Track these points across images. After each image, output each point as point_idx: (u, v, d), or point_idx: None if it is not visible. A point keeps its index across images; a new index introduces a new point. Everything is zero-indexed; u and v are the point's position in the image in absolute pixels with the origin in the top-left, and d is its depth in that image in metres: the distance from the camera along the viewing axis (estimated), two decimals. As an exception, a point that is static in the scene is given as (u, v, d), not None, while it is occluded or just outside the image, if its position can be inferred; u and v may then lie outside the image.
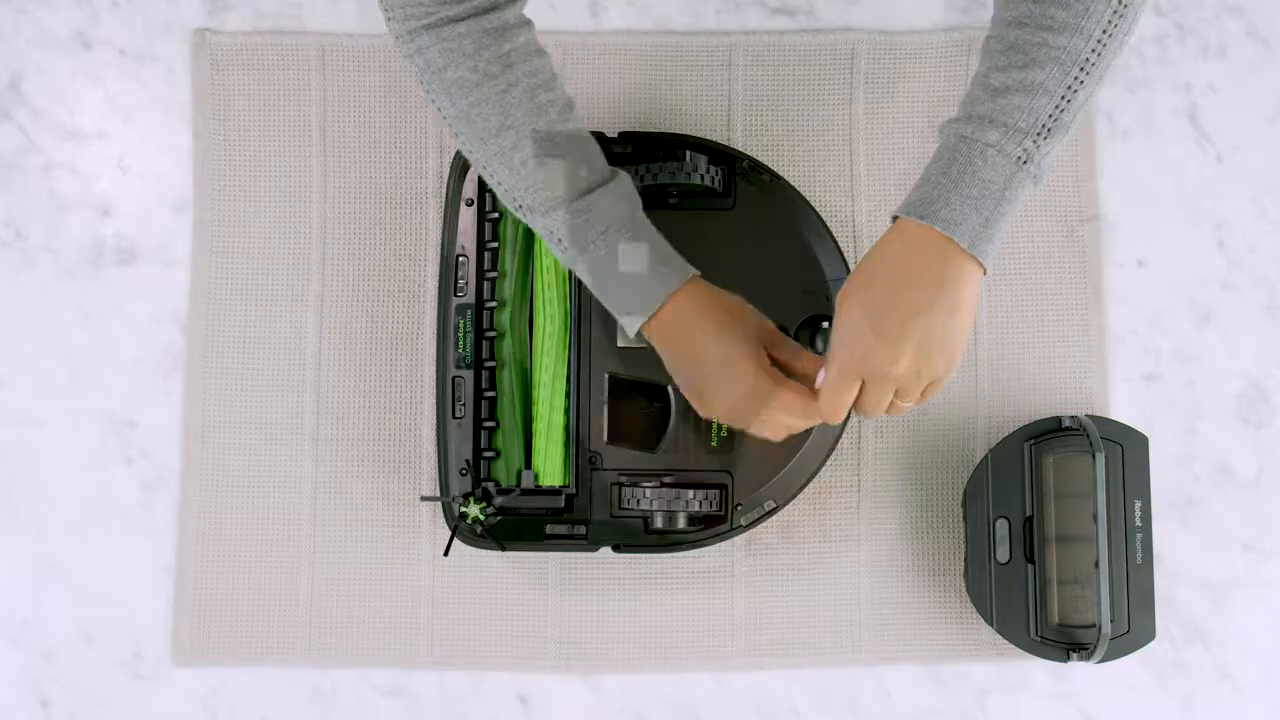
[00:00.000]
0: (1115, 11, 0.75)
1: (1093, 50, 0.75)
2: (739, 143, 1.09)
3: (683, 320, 0.82)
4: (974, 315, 0.80)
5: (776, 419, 0.82)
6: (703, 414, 0.85)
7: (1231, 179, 1.10)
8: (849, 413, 0.80)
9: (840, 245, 1.02)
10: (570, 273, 1.00)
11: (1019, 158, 0.76)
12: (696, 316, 0.82)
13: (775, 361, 0.84)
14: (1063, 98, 0.76)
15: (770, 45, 1.10)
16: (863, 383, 0.78)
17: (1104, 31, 0.75)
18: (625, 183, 0.84)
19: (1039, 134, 0.76)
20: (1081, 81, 0.76)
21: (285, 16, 1.10)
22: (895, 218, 0.79)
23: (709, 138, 1.04)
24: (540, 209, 0.81)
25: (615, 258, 0.81)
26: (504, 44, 0.81)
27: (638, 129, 1.08)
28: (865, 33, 1.10)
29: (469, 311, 1.00)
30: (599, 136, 1.02)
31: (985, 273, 0.78)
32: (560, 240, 0.82)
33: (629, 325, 0.83)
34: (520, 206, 0.82)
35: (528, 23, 0.84)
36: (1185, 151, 1.10)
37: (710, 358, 0.82)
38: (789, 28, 1.11)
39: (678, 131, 1.06)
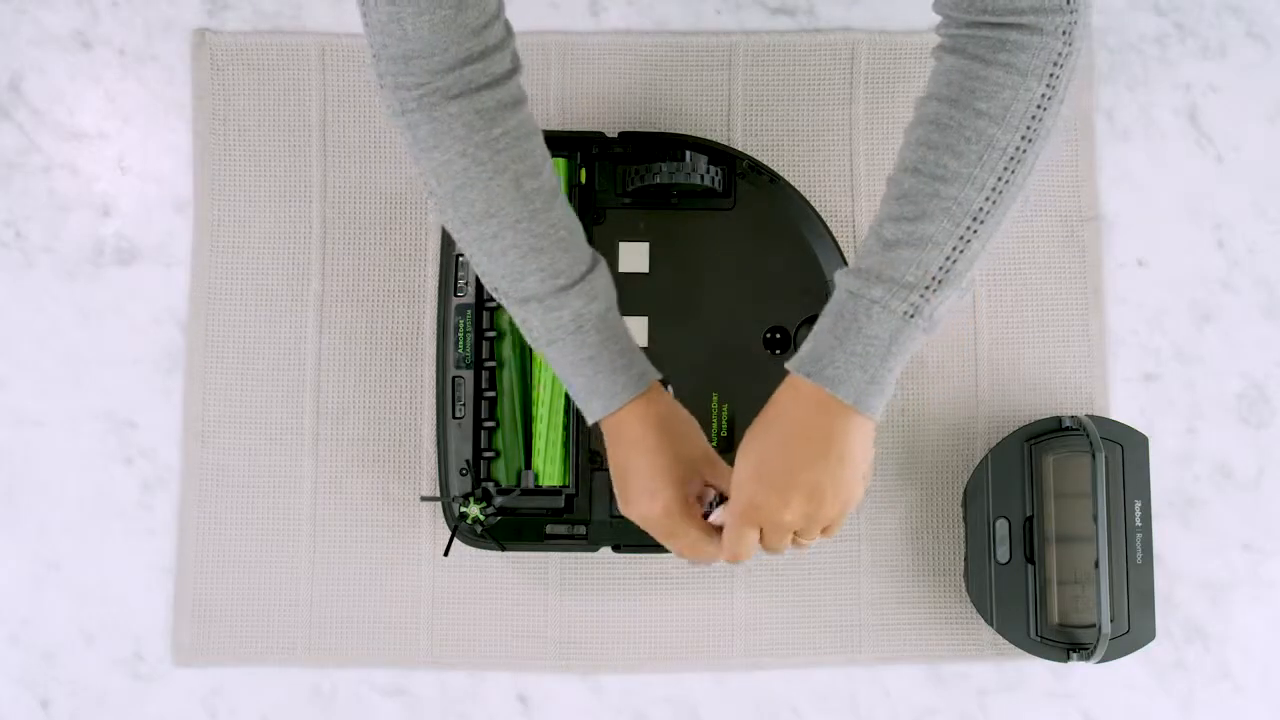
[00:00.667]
0: (1012, 159, 0.73)
1: (987, 199, 0.74)
2: (739, 143, 1.09)
3: (629, 427, 0.83)
4: (867, 464, 0.80)
5: (678, 547, 0.84)
6: (620, 510, 0.86)
7: (1231, 179, 1.10)
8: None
9: (840, 245, 1.02)
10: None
11: (905, 312, 0.75)
12: (642, 428, 0.83)
13: (710, 487, 0.86)
14: (954, 249, 0.74)
15: (770, 45, 1.10)
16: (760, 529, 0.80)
17: (999, 179, 0.73)
18: (602, 275, 0.84)
19: (928, 288, 0.75)
20: (975, 232, 0.74)
21: (285, 16, 1.10)
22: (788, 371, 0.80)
23: (709, 138, 1.04)
24: (516, 298, 0.82)
25: (581, 357, 0.82)
26: (495, 128, 0.79)
27: (638, 129, 1.08)
28: (865, 33, 1.10)
29: (469, 311, 1.00)
30: (599, 137, 1.02)
31: (877, 422, 0.78)
32: (531, 330, 0.83)
33: (586, 417, 0.85)
34: (498, 290, 0.83)
35: (523, 99, 0.82)
36: (1185, 151, 1.10)
37: (639, 472, 0.83)
38: (789, 28, 1.11)
39: (678, 131, 1.06)
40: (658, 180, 0.99)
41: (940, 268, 0.74)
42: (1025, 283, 1.08)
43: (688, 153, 1.00)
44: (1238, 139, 1.10)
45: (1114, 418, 1.07)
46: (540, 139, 0.83)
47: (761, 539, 0.81)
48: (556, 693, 1.05)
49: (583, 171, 1.02)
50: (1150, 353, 1.08)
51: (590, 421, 0.85)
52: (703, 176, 0.99)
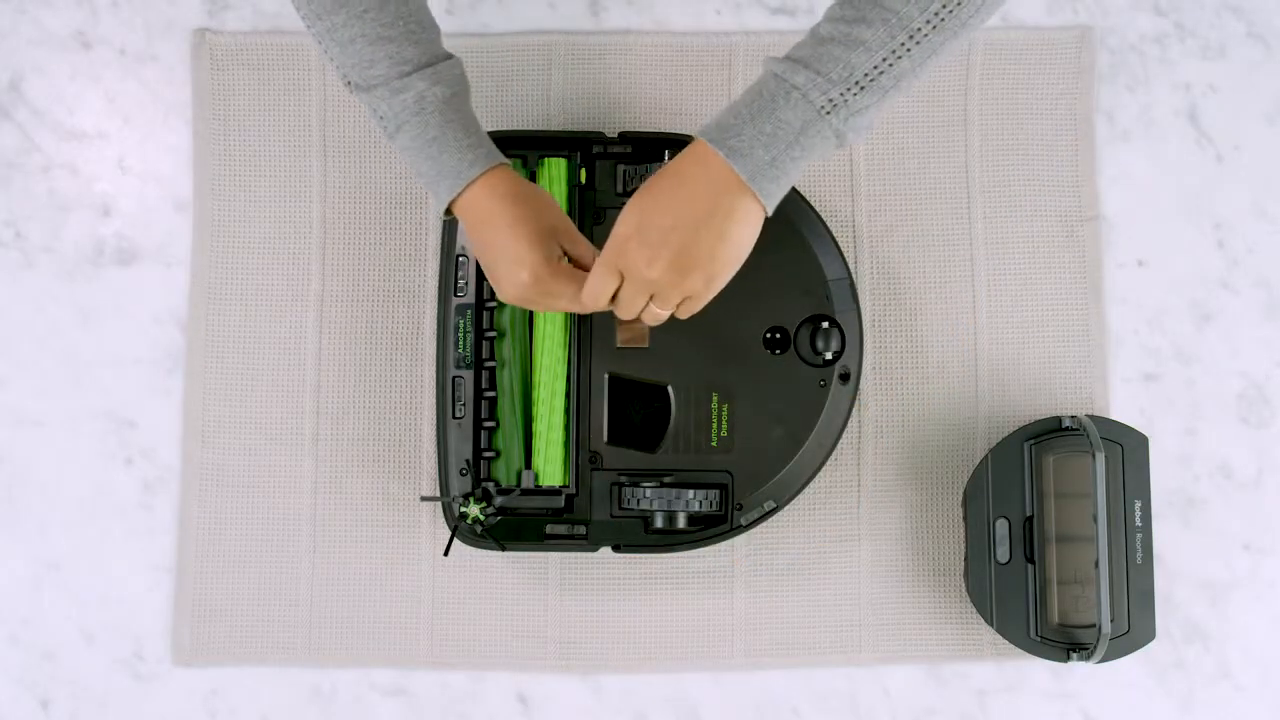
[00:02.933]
0: None
1: (926, 22, 0.75)
2: (739, 143, 1.09)
3: (482, 205, 0.85)
4: (744, 251, 0.80)
5: (556, 306, 0.86)
6: (498, 295, 0.88)
7: (1231, 179, 1.10)
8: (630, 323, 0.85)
9: (840, 245, 1.02)
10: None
11: (822, 107, 0.76)
12: (495, 203, 0.85)
13: (569, 256, 0.88)
14: (885, 60, 0.75)
15: (770, 45, 1.10)
16: (622, 280, 0.82)
17: (944, 6, 0.74)
18: (454, 67, 0.86)
19: (849, 88, 0.76)
20: (909, 50, 0.75)
21: (285, 16, 1.10)
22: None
23: (709, 138, 1.04)
24: (364, 86, 0.84)
25: (426, 138, 0.84)
26: None
27: (638, 129, 1.08)
28: (865, 33, 1.10)
29: (469, 311, 1.00)
30: (599, 137, 1.02)
31: (767, 214, 0.79)
32: (382, 118, 0.85)
33: (436, 203, 0.87)
34: (349, 83, 0.85)
35: None
36: (1185, 151, 1.10)
37: (500, 245, 0.85)
38: (789, 28, 1.11)
39: (678, 131, 1.06)
40: (658, 180, 0.99)
41: (866, 75, 0.75)
42: (1025, 283, 1.08)
43: (688, 153, 1.00)
44: (1238, 139, 1.10)
45: (1114, 418, 1.07)
46: None
47: (617, 295, 0.82)
48: (556, 693, 1.05)
49: (583, 171, 1.02)
50: (1150, 353, 1.08)
51: (442, 208, 0.87)
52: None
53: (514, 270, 0.85)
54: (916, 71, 0.76)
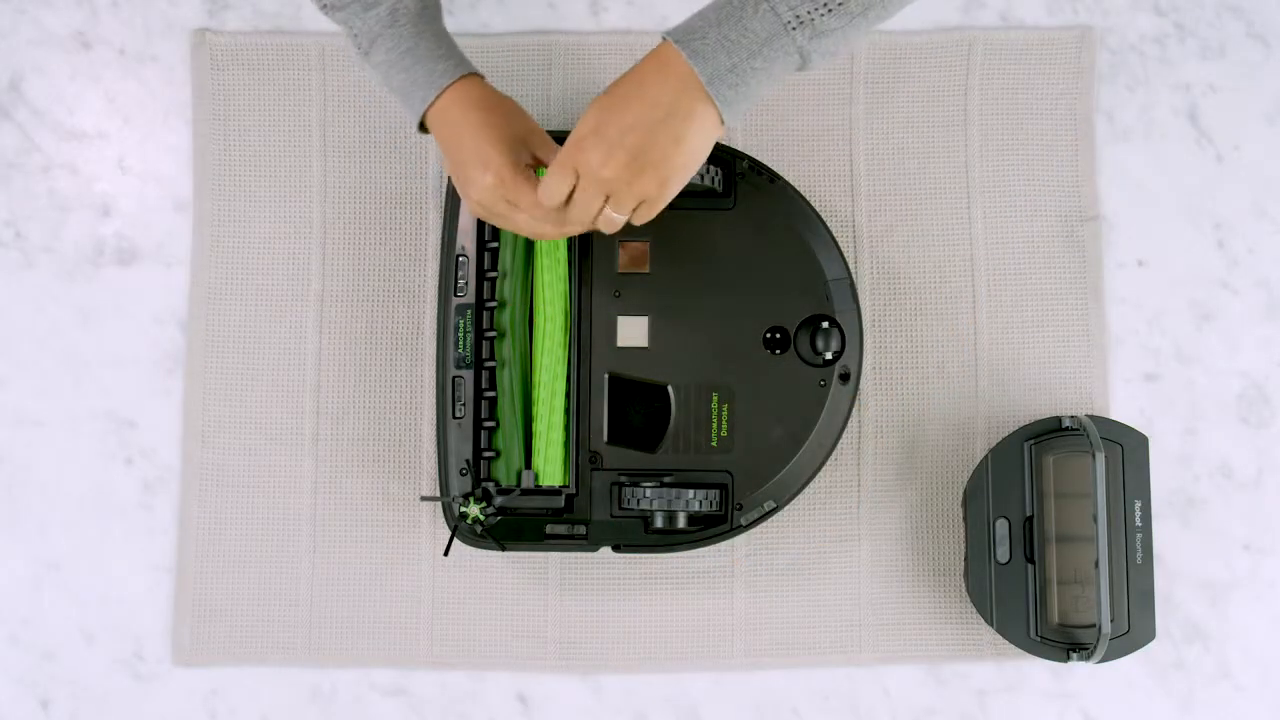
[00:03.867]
0: None
1: None
2: (739, 143, 1.09)
3: (452, 113, 0.87)
4: (699, 157, 0.81)
5: (517, 220, 0.87)
6: (465, 204, 0.90)
7: (1231, 179, 1.10)
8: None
9: (840, 245, 1.02)
10: (570, 273, 1.00)
11: (788, 21, 0.76)
12: (464, 110, 0.87)
13: (540, 163, 0.89)
14: None
15: (770, 45, 1.10)
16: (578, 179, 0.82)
17: None
18: None
19: (817, 7, 0.76)
20: None
21: (285, 16, 1.10)
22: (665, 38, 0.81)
23: (709, 138, 1.04)
24: (337, 4, 0.86)
25: (400, 50, 0.86)
26: None
27: (638, 129, 1.08)
28: (865, 33, 1.10)
29: (469, 311, 1.00)
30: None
31: (723, 124, 0.80)
32: (355, 34, 0.87)
33: (409, 115, 0.89)
34: (325, 6, 0.87)
35: None
36: (1185, 151, 1.10)
37: (468, 148, 0.86)
38: (789, 28, 1.10)
39: (678, 131, 1.06)
40: (658, 180, 0.99)
41: None
42: (1025, 283, 1.08)
43: (688, 152, 1.00)
44: (1238, 139, 1.10)
45: (1114, 418, 1.07)
46: None
47: (572, 196, 0.82)
48: (556, 693, 1.05)
49: (583, 171, 1.02)
50: (1150, 353, 1.08)
51: (416, 120, 0.88)
52: (703, 176, 0.99)
53: (479, 173, 0.86)
54: (886, 4, 0.77)
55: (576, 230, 0.87)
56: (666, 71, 0.79)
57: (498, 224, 0.89)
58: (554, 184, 0.82)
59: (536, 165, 0.89)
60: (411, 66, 0.87)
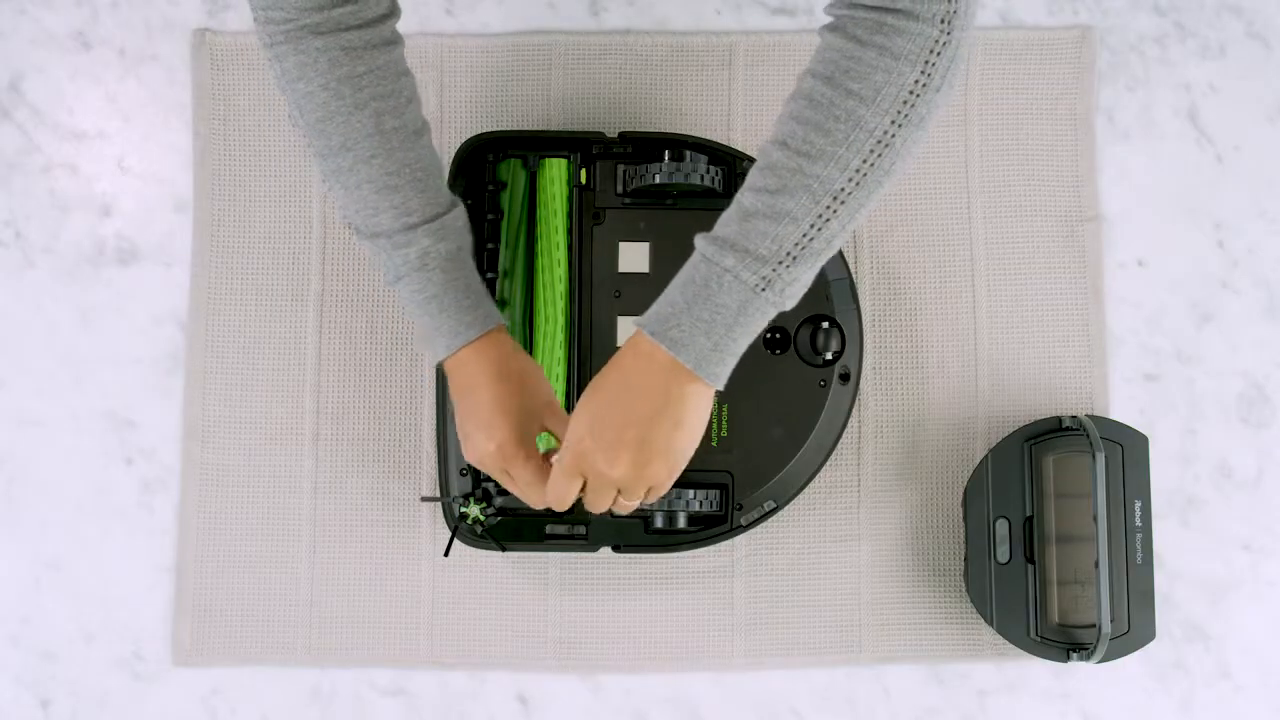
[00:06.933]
0: (879, 141, 0.72)
1: (850, 180, 0.73)
2: (739, 143, 1.09)
3: (470, 370, 0.85)
4: (700, 431, 0.80)
5: (512, 487, 0.86)
6: (462, 450, 0.87)
7: (1231, 179, 1.10)
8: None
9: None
10: (570, 273, 1.00)
11: (756, 285, 0.74)
12: (483, 367, 0.85)
13: (550, 433, 0.87)
14: (813, 226, 0.73)
15: (770, 45, 1.10)
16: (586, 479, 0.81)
17: (864, 162, 0.72)
18: (458, 218, 0.85)
19: (781, 262, 0.74)
20: (835, 212, 0.73)
21: (285, 16, 1.10)
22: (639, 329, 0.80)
23: (709, 138, 1.04)
24: (368, 233, 0.84)
25: (426, 295, 0.84)
26: (359, 64, 0.81)
27: (638, 129, 1.08)
28: (865, 33, 1.10)
29: (469, 312, 1.00)
30: (599, 137, 1.02)
31: (718, 389, 0.78)
32: (382, 266, 0.85)
33: (428, 358, 0.86)
34: (351, 225, 0.85)
35: (395, 40, 0.83)
36: (1185, 151, 1.10)
37: (477, 409, 0.85)
38: (789, 28, 1.11)
39: (678, 131, 1.06)
40: (657, 180, 0.99)
41: (796, 244, 0.74)
42: (1025, 283, 1.08)
43: (687, 153, 1.00)
44: (1238, 139, 1.10)
45: (1114, 418, 1.07)
46: (411, 81, 0.84)
47: (584, 495, 0.82)
48: (556, 693, 1.05)
49: (583, 172, 1.02)
50: (1150, 353, 1.08)
51: (433, 363, 0.86)
52: (703, 176, 0.99)
53: (483, 439, 0.84)
54: (847, 227, 0.75)
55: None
56: (650, 363, 0.77)
57: (495, 478, 0.87)
58: (562, 490, 0.81)
59: (543, 430, 0.87)
60: (437, 314, 0.84)
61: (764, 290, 0.75)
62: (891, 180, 0.74)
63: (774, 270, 0.74)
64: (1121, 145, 1.10)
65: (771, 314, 0.76)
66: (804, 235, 0.74)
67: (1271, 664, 1.06)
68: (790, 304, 0.76)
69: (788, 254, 0.74)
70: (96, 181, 1.09)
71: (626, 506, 0.83)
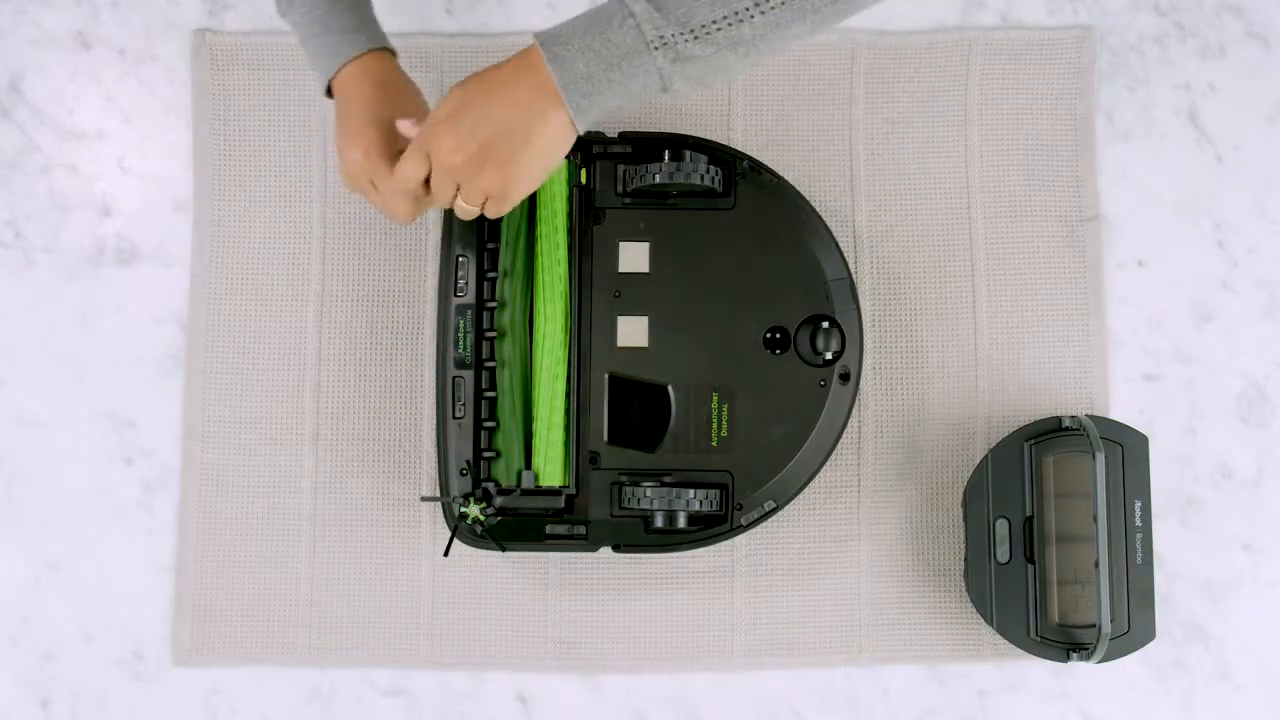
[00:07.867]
0: None
1: None
2: (739, 143, 1.09)
3: (349, 86, 0.88)
4: (546, 161, 0.81)
5: (376, 200, 0.87)
6: (341, 177, 0.89)
7: (1231, 179, 1.10)
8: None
9: (840, 245, 1.02)
10: (570, 273, 1.00)
11: (651, 41, 0.76)
12: (361, 84, 0.88)
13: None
14: (725, 18, 0.75)
15: (770, 45, 1.10)
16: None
17: None
18: None
19: (682, 32, 0.75)
20: (752, 17, 0.75)
21: (285, 16, 1.10)
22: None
23: (709, 138, 1.04)
24: None
25: (313, 17, 0.88)
26: None
27: (638, 129, 1.08)
28: (865, 33, 1.10)
29: (469, 311, 1.00)
30: (599, 137, 1.02)
31: (577, 132, 0.80)
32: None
33: (316, 79, 0.90)
34: None
35: None
36: (1185, 151, 1.10)
37: (349, 121, 0.87)
38: (789, 28, 1.10)
39: (678, 131, 1.06)
40: (657, 180, 0.99)
41: (703, 25, 0.75)
42: (1025, 283, 1.08)
43: (688, 153, 1.00)
44: (1238, 139, 1.10)
45: (1114, 418, 1.07)
46: None
47: (429, 182, 0.83)
48: (556, 693, 1.05)
49: (583, 172, 1.02)
50: (1150, 353, 1.08)
51: (322, 86, 0.89)
52: (703, 176, 0.99)
53: (350, 146, 0.87)
54: (758, 44, 0.76)
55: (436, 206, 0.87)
56: (527, 71, 0.79)
57: (366, 199, 0.89)
58: (407, 166, 0.83)
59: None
60: (322, 34, 0.88)
61: (656, 49, 0.76)
62: (814, 22, 0.76)
63: (674, 35, 0.76)
64: (1121, 145, 1.10)
65: (654, 83, 0.77)
66: (713, 21, 0.75)
67: (1271, 664, 1.06)
68: (676, 85, 0.78)
69: (691, 29, 0.76)
70: (96, 181, 1.09)
71: (465, 210, 0.85)
